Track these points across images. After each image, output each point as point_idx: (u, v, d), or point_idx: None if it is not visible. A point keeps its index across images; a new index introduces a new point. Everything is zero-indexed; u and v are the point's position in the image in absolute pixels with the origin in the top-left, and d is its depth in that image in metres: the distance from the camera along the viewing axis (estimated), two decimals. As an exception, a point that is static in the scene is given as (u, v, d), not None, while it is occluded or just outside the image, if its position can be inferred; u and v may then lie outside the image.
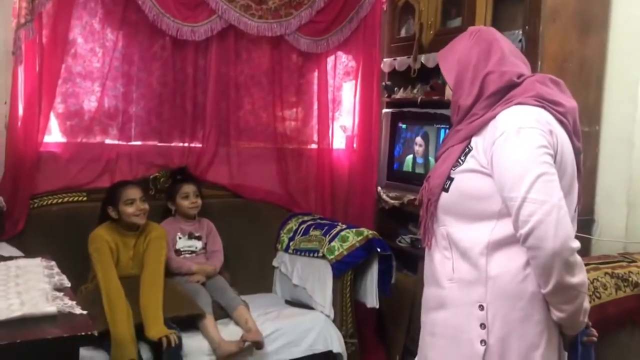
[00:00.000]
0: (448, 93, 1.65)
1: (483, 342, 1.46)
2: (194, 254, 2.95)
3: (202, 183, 3.11)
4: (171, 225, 2.93)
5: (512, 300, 1.45)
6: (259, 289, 3.20)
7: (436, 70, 3.40)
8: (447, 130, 3.19)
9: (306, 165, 3.56)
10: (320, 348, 2.76)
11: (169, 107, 3.15)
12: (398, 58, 3.60)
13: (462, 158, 1.53)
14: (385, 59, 3.69)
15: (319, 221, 3.20)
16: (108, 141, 3.07)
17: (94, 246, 2.58)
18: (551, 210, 1.34)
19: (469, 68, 1.55)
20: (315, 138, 3.59)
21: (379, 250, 2.87)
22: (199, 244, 2.98)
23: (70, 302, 1.63)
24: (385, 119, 3.65)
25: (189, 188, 2.96)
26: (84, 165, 2.99)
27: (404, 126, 3.54)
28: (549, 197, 1.36)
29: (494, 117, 1.49)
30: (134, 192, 2.68)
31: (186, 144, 3.23)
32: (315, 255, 2.97)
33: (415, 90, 3.54)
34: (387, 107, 3.70)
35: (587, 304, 1.46)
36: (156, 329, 2.42)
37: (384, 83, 3.68)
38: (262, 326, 2.65)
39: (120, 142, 3.08)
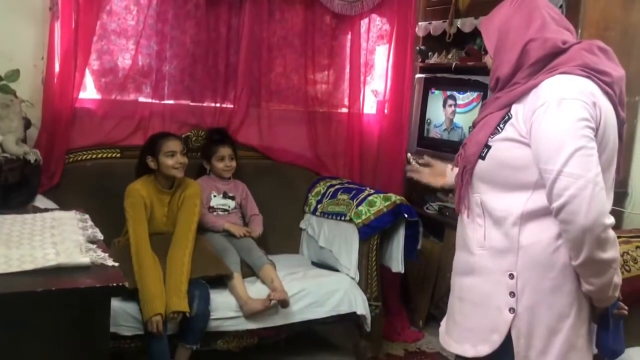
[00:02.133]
0: (489, 61, 1.61)
1: (512, 309, 1.47)
2: (226, 213, 3.00)
3: (237, 145, 3.13)
4: (206, 183, 2.97)
5: (543, 270, 1.44)
6: (286, 250, 3.24)
7: (472, 36, 3.34)
8: (481, 96, 3.14)
9: (336, 130, 3.54)
10: (344, 309, 2.80)
11: (201, 66, 3.15)
12: (433, 22, 3.53)
13: (500, 126, 1.49)
14: (420, 23, 3.62)
15: (347, 185, 3.21)
16: (141, 99, 3.10)
17: (129, 201, 2.63)
18: (586, 186, 1.32)
19: (509, 35, 1.51)
20: (346, 102, 3.56)
21: (406, 215, 2.86)
22: (232, 203, 3.02)
23: (102, 254, 1.67)
24: (418, 84, 3.61)
25: (225, 151, 2.99)
26: (117, 123, 3.04)
27: (436, 92, 3.49)
28: (585, 172, 1.33)
29: (536, 85, 1.45)
30: (175, 145, 2.71)
31: (218, 105, 3.24)
32: (343, 218, 2.99)
33: (450, 56, 3.48)
34: (420, 72, 3.65)
35: (617, 279, 1.45)
36: (176, 301, 2.42)
37: (418, 47, 3.62)
38: (288, 285, 2.69)
39: (154, 101, 3.11)
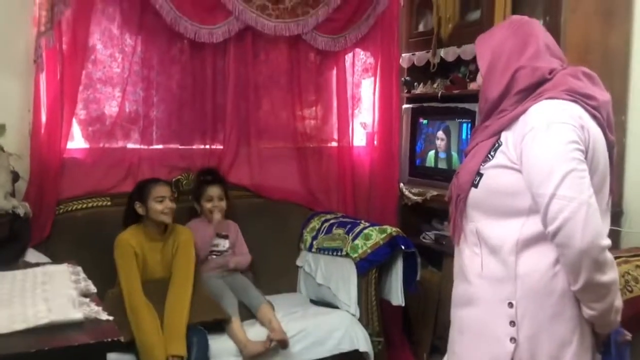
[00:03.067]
0: (480, 80, 1.62)
1: (513, 339, 1.45)
2: (220, 255, 2.96)
3: (229, 186, 3.11)
4: (197, 226, 2.94)
5: (542, 298, 1.43)
6: (283, 289, 3.19)
7: (456, 64, 3.37)
8: (469, 125, 3.16)
9: (327, 164, 3.54)
10: (346, 347, 2.75)
11: (189, 109, 3.16)
12: (417, 53, 3.56)
13: (491, 153, 1.50)
14: (403, 54, 3.65)
15: (341, 219, 3.19)
16: (130, 145, 3.10)
17: (118, 251, 2.60)
18: (580, 208, 1.32)
19: (502, 59, 1.52)
20: (336, 136, 3.57)
21: (403, 247, 2.84)
22: (226, 243, 2.98)
23: (96, 308, 1.63)
24: (405, 115, 3.62)
25: (213, 191, 2.96)
26: (107, 170, 3.02)
27: (425, 121, 3.51)
28: (578, 194, 1.33)
29: (524, 111, 1.46)
30: (164, 190, 2.69)
31: (207, 146, 3.24)
32: (339, 254, 2.96)
33: (435, 85, 3.51)
34: (407, 103, 3.67)
35: (618, 302, 1.43)
36: (174, 345, 2.39)
37: (403, 78, 3.65)
38: (287, 326, 2.65)
39: (142, 146, 3.10)
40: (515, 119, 1.47)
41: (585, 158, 1.39)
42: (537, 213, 1.39)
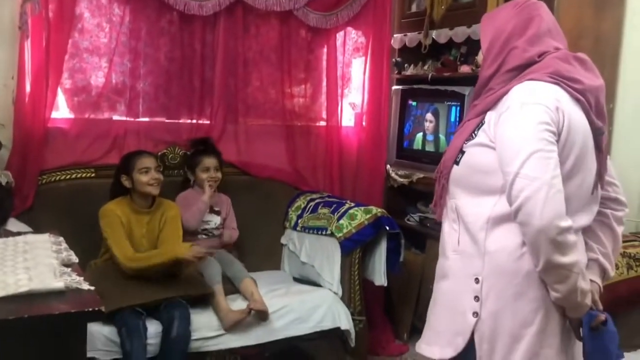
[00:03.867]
0: (480, 58, 1.63)
1: (475, 314, 1.49)
2: (207, 234, 2.93)
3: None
4: (192, 196, 2.90)
5: (508, 277, 1.46)
6: (267, 266, 3.19)
7: (447, 46, 3.35)
8: (458, 108, 3.16)
9: (315, 143, 3.53)
10: (328, 325, 2.76)
11: (176, 83, 3.12)
12: (409, 34, 3.54)
13: (475, 132, 1.52)
14: (395, 35, 3.63)
15: (327, 199, 3.19)
16: (116, 117, 3.06)
17: (105, 220, 2.58)
18: (540, 187, 1.34)
19: (501, 38, 1.52)
20: (324, 115, 3.55)
21: (387, 228, 2.85)
22: (217, 219, 2.96)
23: (77, 278, 1.63)
24: (395, 96, 3.61)
25: (210, 162, 2.92)
26: (92, 142, 2.98)
27: (414, 103, 3.50)
28: (542, 174, 1.35)
29: (507, 92, 1.48)
30: (149, 161, 2.68)
31: (194, 121, 3.21)
32: (324, 233, 2.96)
33: (425, 67, 3.49)
34: (397, 84, 3.65)
35: (584, 285, 1.43)
36: (180, 249, 2.52)
37: (394, 59, 3.63)
38: (270, 302, 2.65)
39: (128, 119, 3.06)
40: (499, 98, 1.49)
41: (558, 140, 1.40)
42: None
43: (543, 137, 1.37)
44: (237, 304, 2.62)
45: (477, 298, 1.48)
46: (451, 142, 1.64)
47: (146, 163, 2.65)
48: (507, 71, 1.50)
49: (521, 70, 1.49)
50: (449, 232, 1.59)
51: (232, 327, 2.53)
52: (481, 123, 1.52)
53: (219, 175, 2.95)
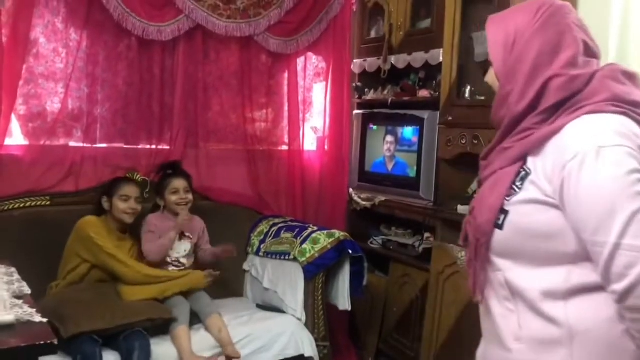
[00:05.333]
0: (490, 79, 1.31)
1: None
2: (177, 265, 2.81)
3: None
4: (161, 222, 2.80)
5: None
6: (230, 293, 3.14)
7: (406, 71, 3.41)
8: (417, 130, 3.19)
9: (277, 167, 3.52)
10: (292, 352, 2.72)
11: (135, 108, 3.08)
12: (368, 59, 3.59)
13: (517, 184, 1.18)
14: (355, 60, 3.68)
15: (290, 223, 3.17)
16: (72, 144, 2.99)
17: (93, 230, 2.59)
18: None
19: (527, 60, 1.19)
20: (286, 139, 3.55)
21: (350, 252, 2.84)
22: (188, 247, 2.84)
23: (29, 310, 1.57)
24: (356, 120, 3.64)
25: (179, 183, 2.84)
26: (47, 169, 2.91)
27: (374, 127, 3.53)
28: None
29: (557, 131, 1.14)
30: (131, 190, 2.73)
31: (153, 146, 3.16)
32: (287, 258, 2.94)
33: (385, 91, 3.54)
34: (358, 109, 3.69)
35: None
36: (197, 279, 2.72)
37: (354, 84, 3.67)
38: (233, 331, 2.60)
39: (85, 145, 3.00)
40: (545, 140, 1.16)
41: None
42: (588, 261, 1.11)
43: (639, 191, 1.05)
44: (200, 336, 2.56)
45: None
46: (480, 197, 1.28)
47: (127, 191, 2.71)
48: (549, 107, 1.17)
49: (566, 101, 1.17)
50: (503, 315, 1.22)
51: None
52: (523, 171, 1.18)
53: (190, 196, 2.86)
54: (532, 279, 1.17)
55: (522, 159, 1.19)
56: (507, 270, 1.21)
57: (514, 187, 1.19)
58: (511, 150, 1.21)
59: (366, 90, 3.65)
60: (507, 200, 1.19)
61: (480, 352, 1.33)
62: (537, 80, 1.17)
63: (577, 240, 1.11)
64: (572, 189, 1.09)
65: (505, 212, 1.19)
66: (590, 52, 1.21)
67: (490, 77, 1.30)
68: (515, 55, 1.21)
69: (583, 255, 1.11)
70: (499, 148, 1.25)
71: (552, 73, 1.16)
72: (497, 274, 1.23)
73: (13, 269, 1.97)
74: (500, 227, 1.19)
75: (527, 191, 1.17)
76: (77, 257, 2.59)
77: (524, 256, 1.18)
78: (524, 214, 1.17)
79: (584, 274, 1.12)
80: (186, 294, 2.70)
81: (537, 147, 1.17)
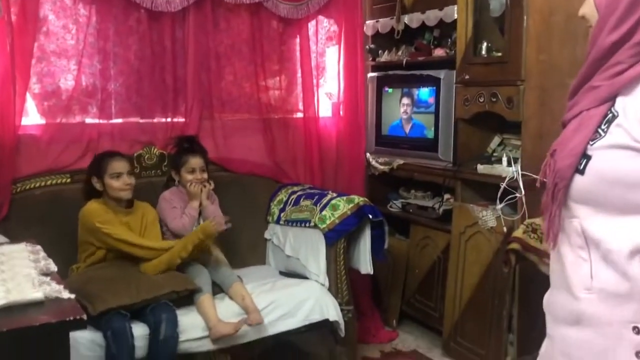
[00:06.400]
0: (590, 8, 1.20)
1: None
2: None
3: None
4: (177, 197, 2.82)
5: None
6: (252, 262, 3.17)
7: (420, 30, 3.34)
8: (434, 91, 3.14)
9: (293, 135, 3.50)
10: (316, 317, 2.74)
11: (148, 82, 3.06)
12: (381, 20, 3.52)
13: (602, 127, 1.12)
14: (367, 22, 3.61)
15: (308, 191, 3.16)
16: (88, 120, 2.99)
17: (98, 219, 2.51)
18: None
19: None
20: (301, 107, 3.52)
21: (370, 216, 2.84)
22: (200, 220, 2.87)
23: (57, 287, 1.58)
24: (371, 84, 3.59)
25: (195, 162, 2.84)
26: (65, 146, 2.91)
27: (390, 90, 3.48)
28: None
29: None
30: (121, 165, 2.61)
31: (169, 119, 3.15)
32: (307, 225, 2.94)
33: (400, 52, 3.48)
34: (372, 71, 3.64)
35: None
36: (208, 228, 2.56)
37: (367, 46, 3.61)
38: (257, 299, 2.62)
39: (101, 121, 3.00)
40: (638, 79, 1.10)
41: None
42: None
43: None
44: (225, 305, 2.58)
45: (639, 354, 1.11)
46: (562, 139, 1.21)
47: (118, 168, 2.59)
48: None
49: None
50: (575, 263, 1.18)
51: (219, 339, 2.47)
52: (610, 113, 1.12)
53: (205, 176, 2.87)
54: (610, 229, 1.12)
55: (611, 99, 1.12)
56: (585, 218, 1.16)
57: (599, 130, 1.12)
58: (599, 90, 1.14)
59: (380, 52, 3.59)
60: (590, 145, 1.13)
61: (546, 297, 1.30)
62: (633, 14, 1.09)
63: None
64: None
65: (587, 157, 1.13)
66: None
67: (589, 7, 1.20)
68: None
69: None
70: (587, 86, 1.17)
71: None
72: (573, 221, 1.18)
73: (38, 247, 1.98)
74: (582, 172, 1.14)
75: (614, 135, 1.10)
76: (90, 245, 2.58)
77: (604, 204, 1.12)
78: (609, 159, 1.10)
79: None
80: (206, 265, 2.72)
81: (629, 86, 1.09)
